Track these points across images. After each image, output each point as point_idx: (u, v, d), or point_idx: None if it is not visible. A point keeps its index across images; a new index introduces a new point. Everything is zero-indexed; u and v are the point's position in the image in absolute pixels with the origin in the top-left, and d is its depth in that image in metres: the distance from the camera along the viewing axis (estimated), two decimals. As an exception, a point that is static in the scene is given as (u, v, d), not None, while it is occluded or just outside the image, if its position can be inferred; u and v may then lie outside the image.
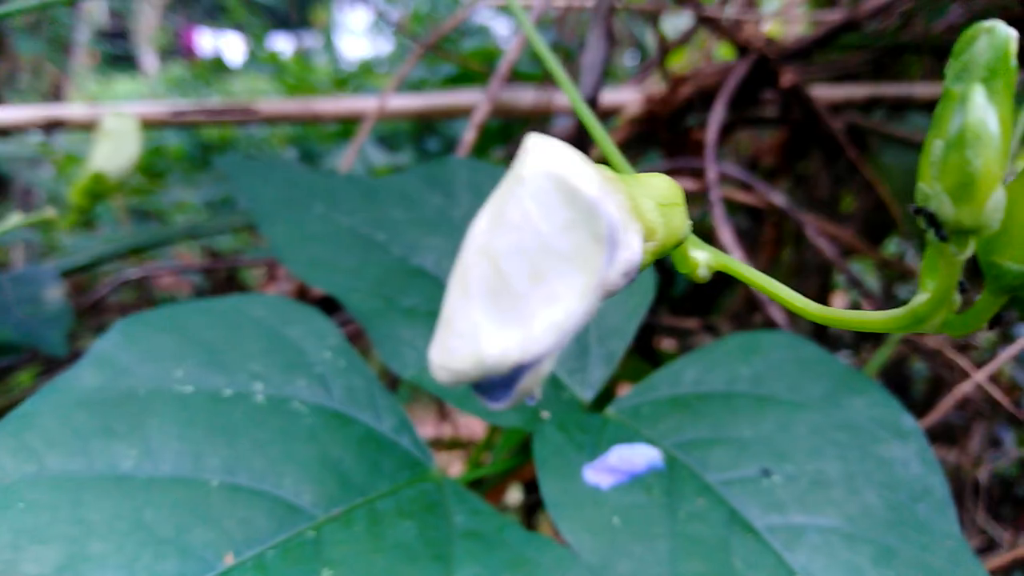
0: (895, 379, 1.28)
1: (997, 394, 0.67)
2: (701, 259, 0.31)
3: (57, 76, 2.84)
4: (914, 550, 0.51)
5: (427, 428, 1.26)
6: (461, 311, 0.22)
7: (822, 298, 1.24)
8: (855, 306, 1.42)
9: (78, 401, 0.47)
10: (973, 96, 0.22)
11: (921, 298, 0.26)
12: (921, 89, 1.01)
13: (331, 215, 0.67)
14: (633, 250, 0.25)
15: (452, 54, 1.25)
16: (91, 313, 1.18)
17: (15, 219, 0.65)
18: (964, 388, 0.69)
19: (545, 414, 0.60)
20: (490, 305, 0.22)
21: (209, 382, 0.50)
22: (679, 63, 1.40)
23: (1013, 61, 0.24)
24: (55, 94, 2.78)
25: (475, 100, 0.87)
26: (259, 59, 2.97)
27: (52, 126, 0.88)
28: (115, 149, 0.64)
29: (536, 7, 0.82)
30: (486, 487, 1.07)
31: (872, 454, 0.56)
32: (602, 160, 0.93)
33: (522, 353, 0.21)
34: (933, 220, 0.24)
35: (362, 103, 0.95)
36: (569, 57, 1.42)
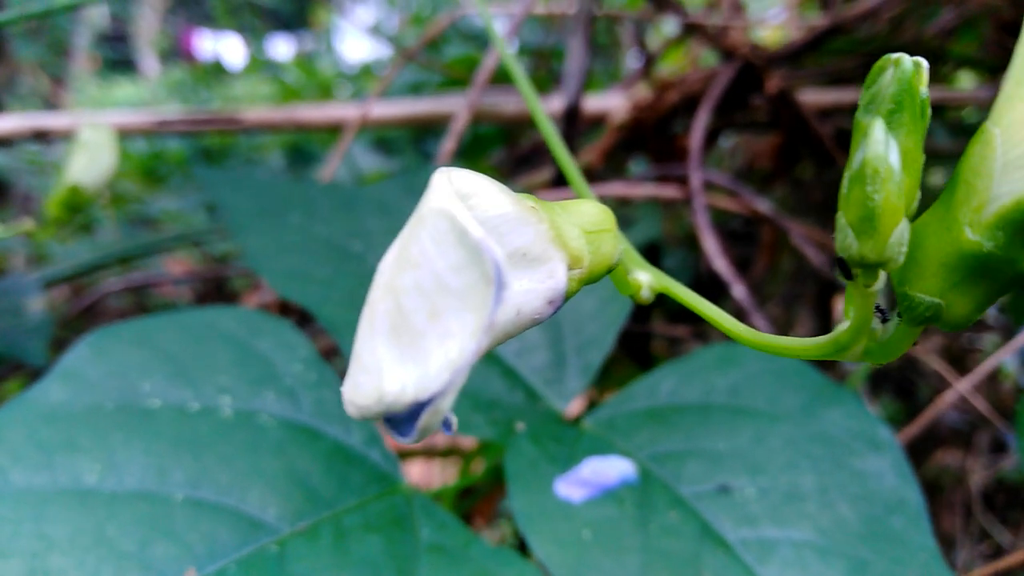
0: (900, 383, 1.27)
1: (980, 404, 0.67)
2: (644, 281, 0.31)
3: (57, 81, 2.85)
4: (888, 563, 0.51)
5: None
6: (367, 346, 0.22)
7: (823, 302, 1.23)
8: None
9: (44, 415, 0.47)
10: (873, 131, 0.22)
11: (843, 326, 0.26)
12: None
13: (307, 225, 0.67)
14: (557, 278, 0.24)
15: (436, 62, 1.25)
16: (83, 319, 1.19)
17: (-5, 231, 0.65)
18: (948, 398, 0.69)
19: (520, 426, 0.59)
20: (392, 342, 0.22)
21: (176, 396, 0.50)
22: (672, 66, 1.39)
23: (922, 92, 0.23)
24: (55, 99, 2.79)
25: (458, 107, 0.87)
26: (256, 64, 2.97)
27: (38, 136, 0.88)
28: (91, 161, 0.64)
29: (515, 14, 0.82)
30: (478, 495, 1.07)
31: (847, 466, 0.56)
32: (586, 167, 0.92)
33: (418, 391, 0.21)
34: (840, 262, 0.24)
35: (346, 111, 0.95)
36: (560, 58, 1.42)
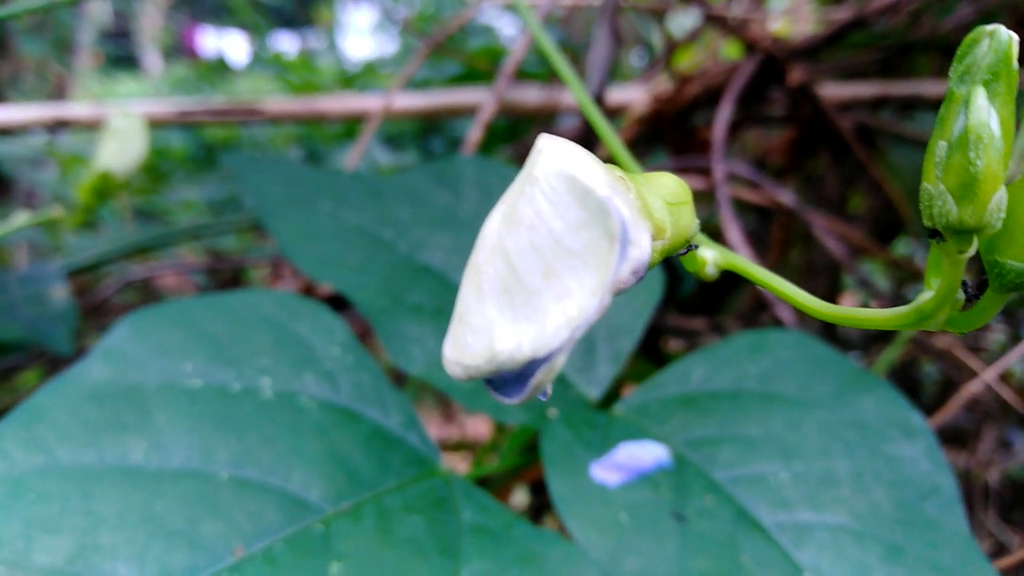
0: (904, 381, 1.27)
1: (1007, 394, 0.67)
2: (709, 258, 0.31)
3: (61, 77, 2.85)
4: (922, 548, 0.51)
5: (431, 429, 1.25)
6: (475, 307, 0.22)
7: (831, 298, 1.23)
8: (865, 307, 1.42)
9: (88, 394, 0.47)
10: (975, 99, 0.23)
11: (926, 296, 0.26)
12: (929, 88, 1.01)
13: (338, 213, 0.67)
14: (643, 248, 0.25)
15: (458, 53, 1.25)
16: (96, 313, 1.19)
17: (22, 218, 0.65)
18: (972, 387, 0.69)
19: (552, 412, 0.60)
20: (504, 302, 0.22)
21: (218, 376, 0.50)
22: (686, 62, 1.40)
23: (1015, 64, 0.24)
24: (59, 95, 2.78)
25: (480, 99, 0.87)
26: (263, 60, 2.97)
27: (57, 125, 0.88)
28: (122, 148, 0.65)
29: (542, 6, 0.82)
30: (491, 488, 1.07)
31: (881, 452, 0.56)
32: (609, 159, 0.93)
33: (535, 349, 0.22)
34: (932, 230, 0.24)
35: (367, 102, 0.95)
36: (575, 56, 1.42)
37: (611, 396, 0.74)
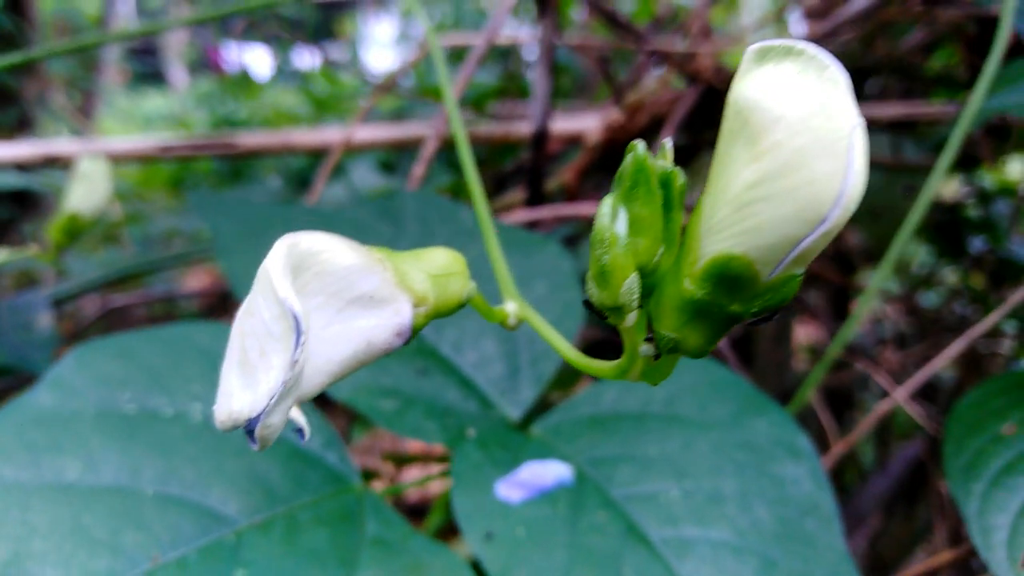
0: (922, 390, 1.30)
1: (914, 412, 0.71)
2: (510, 311, 0.36)
3: (88, 95, 2.96)
4: (797, 562, 0.55)
5: (412, 443, 1.30)
6: (226, 375, 0.29)
7: (840, 306, 1.26)
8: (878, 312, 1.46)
9: (33, 419, 0.53)
10: (601, 207, 0.28)
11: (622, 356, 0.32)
12: (883, 110, 1.04)
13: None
14: (403, 315, 0.30)
15: (414, 91, 1.31)
16: (101, 330, 1.26)
17: (2, 255, 0.72)
18: (884, 406, 0.73)
19: (471, 432, 0.65)
20: (239, 372, 0.28)
21: (152, 403, 0.56)
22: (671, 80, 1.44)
23: (660, 165, 0.29)
24: (86, 113, 2.90)
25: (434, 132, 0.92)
26: (286, 73, 3.05)
27: (48, 162, 0.95)
28: (89, 190, 0.71)
29: (477, 47, 0.87)
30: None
31: (767, 472, 0.60)
32: (562, 187, 0.96)
33: (251, 411, 0.28)
34: (588, 304, 0.30)
35: (332, 135, 1.01)
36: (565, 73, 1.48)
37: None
